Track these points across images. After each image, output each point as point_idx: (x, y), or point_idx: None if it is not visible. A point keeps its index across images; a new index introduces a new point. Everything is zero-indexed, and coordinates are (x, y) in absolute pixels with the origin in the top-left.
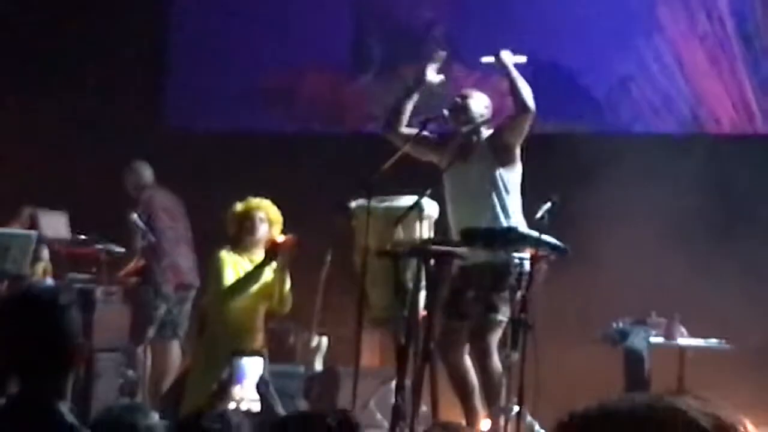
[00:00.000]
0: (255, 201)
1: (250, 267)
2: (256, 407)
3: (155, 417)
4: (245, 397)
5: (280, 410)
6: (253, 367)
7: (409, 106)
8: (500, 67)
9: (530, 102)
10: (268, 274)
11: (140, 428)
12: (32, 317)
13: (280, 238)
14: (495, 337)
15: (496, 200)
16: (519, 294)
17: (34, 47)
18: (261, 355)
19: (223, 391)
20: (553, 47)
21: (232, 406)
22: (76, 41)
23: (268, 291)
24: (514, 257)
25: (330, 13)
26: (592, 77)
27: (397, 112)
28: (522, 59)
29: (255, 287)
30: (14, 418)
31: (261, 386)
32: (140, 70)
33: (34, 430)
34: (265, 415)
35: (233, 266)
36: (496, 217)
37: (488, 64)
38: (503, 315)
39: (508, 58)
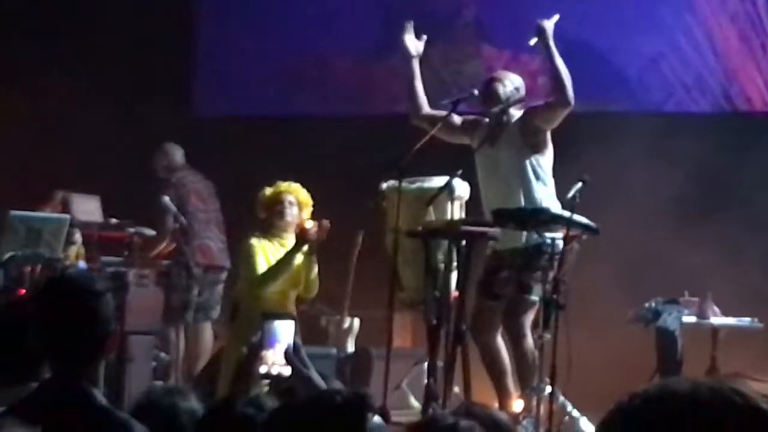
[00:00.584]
0: (284, 185)
1: (280, 251)
2: (287, 371)
3: (195, 399)
4: (276, 361)
5: (313, 374)
6: (284, 331)
7: (418, 86)
8: (545, 45)
9: (570, 95)
10: (298, 259)
11: (180, 411)
12: (68, 302)
13: (310, 224)
14: (528, 318)
15: (523, 185)
16: (551, 274)
17: (64, 32)
18: (292, 318)
19: (254, 355)
20: (583, 26)
21: (263, 369)
22: (107, 28)
23: (298, 276)
24: (547, 238)
25: None
26: (624, 56)
27: (411, 95)
28: (555, 17)
29: (286, 274)
30: (47, 402)
31: (292, 350)
32: (170, 55)
33: (66, 415)
34: (296, 379)
35: (264, 252)
36: (522, 202)
37: (535, 45)
38: (536, 295)
39: (549, 25)
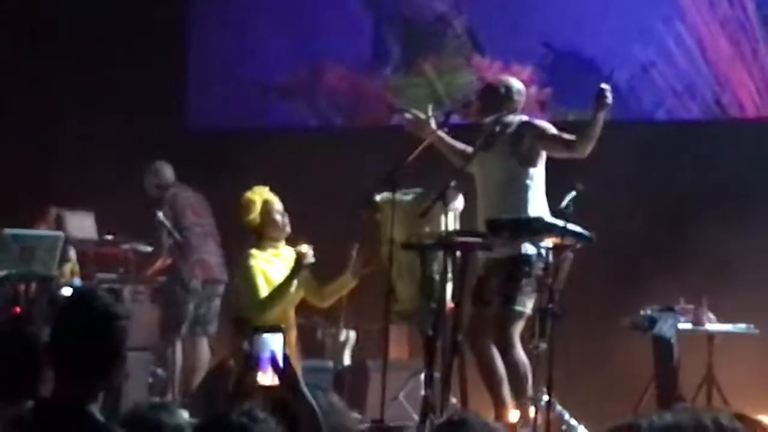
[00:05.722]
0: (266, 192)
1: (277, 261)
2: (276, 382)
3: (183, 416)
4: (267, 372)
5: (302, 386)
6: (273, 344)
7: (457, 145)
8: (597, 103)
9: (587, 151)
10: (295, 283)
11: (166, 427)
12: (93, 322)
13: (305, 248)
14: (516, 329)
15: (513, 196)
16: (545, 284)
17: (58, 45)
18: (280, 331)
19: (249, 365)
20: (573, 35)
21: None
22: (99, 42)
23: (297, 296)
24: (540, 247)
25: (348, 8)
26: (614, 64)
27: (457, 156)
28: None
29: (286, 296)
30: (45, 417)
31: (281, 362)
32: (162, 69)
33: (64, 430)
34: (285, 390)
35: (263, 271)
36: (512, 211)
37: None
38: (522, 306)
39: (608, 90)
